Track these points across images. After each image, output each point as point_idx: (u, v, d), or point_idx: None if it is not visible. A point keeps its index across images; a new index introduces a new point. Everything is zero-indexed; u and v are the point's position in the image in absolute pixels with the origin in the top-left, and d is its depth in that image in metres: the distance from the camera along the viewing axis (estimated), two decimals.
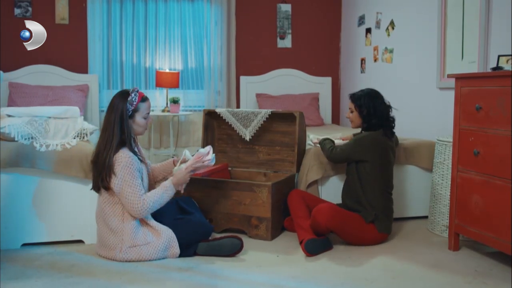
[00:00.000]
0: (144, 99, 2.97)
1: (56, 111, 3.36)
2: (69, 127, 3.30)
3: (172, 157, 3.39)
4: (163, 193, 2.94)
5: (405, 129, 4.59)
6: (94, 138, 3.60)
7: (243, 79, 5.82)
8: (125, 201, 2.84)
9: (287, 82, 5.92)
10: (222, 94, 5.76)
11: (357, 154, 3.26)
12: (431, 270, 2.81)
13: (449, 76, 3.25)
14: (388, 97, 4.96)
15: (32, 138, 3.15)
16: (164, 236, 2.93)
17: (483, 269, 2.82)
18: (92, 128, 3.43)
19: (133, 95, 2.92)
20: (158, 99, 5.57)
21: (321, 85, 6.02)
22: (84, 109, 5.15)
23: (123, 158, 2.84)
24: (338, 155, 3.38)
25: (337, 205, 3.41)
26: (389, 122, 3.35)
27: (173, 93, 5.54)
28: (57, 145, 3.15)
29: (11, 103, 4.85)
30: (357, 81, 5.67)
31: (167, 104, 5.38)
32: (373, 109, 3.29)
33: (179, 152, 5.61)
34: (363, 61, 5.52)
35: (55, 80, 5.20)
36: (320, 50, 6.07)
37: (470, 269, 2.82)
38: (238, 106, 5.82)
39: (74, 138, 3.29)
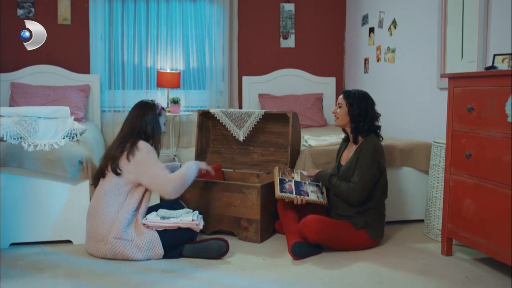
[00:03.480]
0: (164, 110, 3.27)
1: (46, 111, 3.37)
2: (58, 127, 3.30)
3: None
4: (187, 171, 3.09)
5: (406, 130, 4.51)
6: (85, 138, 3.60)
7: (245, 79, 5.77)
8: (155, 181, 2.96)
9: (290, 82, 5.84)
10: (224, 94, 5.72)
11: (381, 166, 3.14)
12: (419, 276, 2.72)
13: (443, 76, 3.17)
14: (390, 98, 4.93)
15: (21, 138, 3.15)
16: (146, 236, 2.91)
17: (474, 275, 2.73)
18: (82, 129, 3.43)
19: (157, 103, 3.20)
20: (159, 100, 5.56)
21: (325, 85, 5.93)
22: (85, 109, 5.16)
23: (144, 145, 2.99)
24: (367, 182, 3.04)
25: (326, 209, 3.35)
26: (377, 129, 3.24)
27: (175, 94, 5.52)
28: (45, 145, 3.15)
29: (13, 103, 4.88)
30: (360, 82, 5.58)
31: (168, 104, 5.36)
32: (364, 111, 3.19)
33: (180, 152, 5.60)
34: (366, 61, 5.43)
35: (57, 80, 5.21)
36: (324, 50, 5.98)
37: (460, 275, 2.73)
38: (240, 107, 5.77)
39: (64, 138, 3.28)
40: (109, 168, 2.98)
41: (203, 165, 3.35)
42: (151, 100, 3.21)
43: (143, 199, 3.02)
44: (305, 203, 3.15)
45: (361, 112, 3.18)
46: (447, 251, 3.03)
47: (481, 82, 2.73)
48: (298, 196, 3.13)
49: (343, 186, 3.09)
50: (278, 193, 3.14)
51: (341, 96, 3.27)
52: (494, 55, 3.01)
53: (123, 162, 2.96)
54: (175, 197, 3.06)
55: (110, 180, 2.98)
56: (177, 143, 5.63)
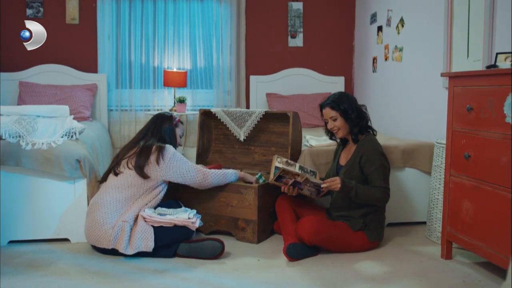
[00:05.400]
0: (181, 123, 3.43)
1: (45, 110, 3.39)
2: (57, 126, 3.32)
3: None
4: (227, 173, 3.30)
5: (413, 130, 4.43)
6: (85, 137, 3.61)
7: (253, 78, 5.73)
8: (189, 175, 3.13)
9: (298, 82, 5.79)
10: (232, 93, 5.70)
11: (387, 158, 3.15)
12: (415, 280, 2.66)
13: (443, 75, 3.09)
14: (397, 98, 4.85)
15: (19, 136, 3.18)
16: (141, 226, 2.92)
17: (472, 279, 2.65)
18: (82, 128, 3.44)
19: (174, 116, 3.36)
20: (166, 99, 5.57)
21: (334, 85, 5.85)
22: (92, 108, 5.20)
23: (171, 148, 3.15)
24: (388, 180, 3.08)
25: (326, 210, 3.30)
26: (368, 121, 3.22)
27: (182, 93, 5.52)
28: (42, 143, 3.16)
29: (21, 102, 4.94)
30: (369, 81, 5.50)
31: (174, 103, 5.36)
32: (357, 110, 3.15)
33: (186, 151, 5.60)
34: (374, 60, 5.35)
35: (64, 79, 5.26)
36: (333, 49, 5.91)
37: (457, 279, 2.66)
38: (248, 106, 5.74)
39: (62, 137, 3.30)
40: (122, 169, 3.07)
41: (247, 176, 3.48)
42: (169, 112, 3.36)
43: (157, 197, 3.11)
44: (296, 194, 3.12)
45: (354, 112, 3.14)
46: (447, 254, 2.96)
47: (480, 81, 2.66)
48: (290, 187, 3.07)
49: (375, 193, 3.01)
50: (271, 178, 3.06)
51: (327, 110, 3.17)
52: (497, 54, 2.93)
53: (152, 168, 3.05)
54: (210, 187, 3.25)
55: (125, 177, 3.05)
56: (183, 142, 5.62)
